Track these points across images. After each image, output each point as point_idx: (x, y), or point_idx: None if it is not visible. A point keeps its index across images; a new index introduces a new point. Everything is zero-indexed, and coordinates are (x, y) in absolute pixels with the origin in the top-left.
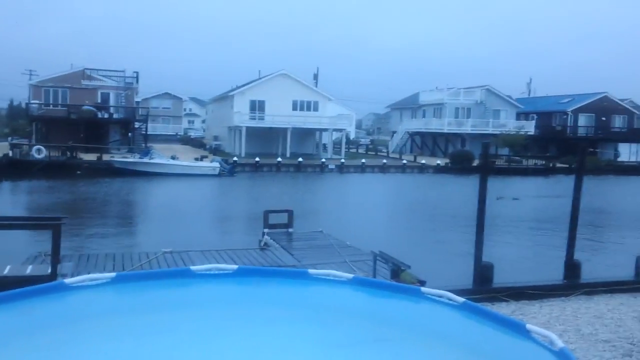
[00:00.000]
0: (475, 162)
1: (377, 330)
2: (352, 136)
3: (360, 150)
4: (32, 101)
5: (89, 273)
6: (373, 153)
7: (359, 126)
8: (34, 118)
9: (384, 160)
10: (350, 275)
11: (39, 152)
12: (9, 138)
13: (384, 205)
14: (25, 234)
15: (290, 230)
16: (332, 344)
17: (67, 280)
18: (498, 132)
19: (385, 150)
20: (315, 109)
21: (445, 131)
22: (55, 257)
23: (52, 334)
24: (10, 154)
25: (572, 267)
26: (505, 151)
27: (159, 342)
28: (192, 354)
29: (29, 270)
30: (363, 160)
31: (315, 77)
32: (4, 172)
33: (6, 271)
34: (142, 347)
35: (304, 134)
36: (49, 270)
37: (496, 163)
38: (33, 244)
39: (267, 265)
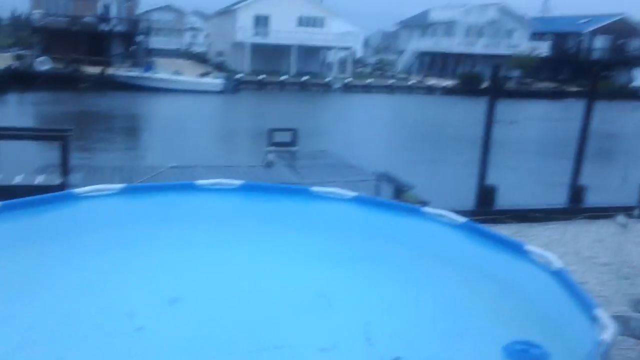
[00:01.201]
0: (485, 84)
1: (377, 247)
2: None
3: (367, 70)
4: (34, 11)
5: (96, 184)
6: (380, 73)
7: (366, 44)
8: (36, 29)
9: (391, 81)
10: (354, 194)
11: (43, 64)
12: (13, 49)
13: (388, 126)
14: (33, 145)
15: (294, 149)
16: (332, 260)
17: (76, 190)
18: (510, 54)
19: (392, 71)
20: (321, 26)
21: (456, 51)
22: (64, 168)
23: (61, 242)
24: (14, 65)
25: (576, 192)
26: (516, 73)
27: (163, 252)
28: (195, 264)
29: (38, 180)
30: (369, 80)
31: None
32: (9, 83)
33: (17, 180)
34: (147, 257)
35: (310, 52)
36: (59, 181)
37: (506, 85)
38: (41, 155)
39: (271, 183)
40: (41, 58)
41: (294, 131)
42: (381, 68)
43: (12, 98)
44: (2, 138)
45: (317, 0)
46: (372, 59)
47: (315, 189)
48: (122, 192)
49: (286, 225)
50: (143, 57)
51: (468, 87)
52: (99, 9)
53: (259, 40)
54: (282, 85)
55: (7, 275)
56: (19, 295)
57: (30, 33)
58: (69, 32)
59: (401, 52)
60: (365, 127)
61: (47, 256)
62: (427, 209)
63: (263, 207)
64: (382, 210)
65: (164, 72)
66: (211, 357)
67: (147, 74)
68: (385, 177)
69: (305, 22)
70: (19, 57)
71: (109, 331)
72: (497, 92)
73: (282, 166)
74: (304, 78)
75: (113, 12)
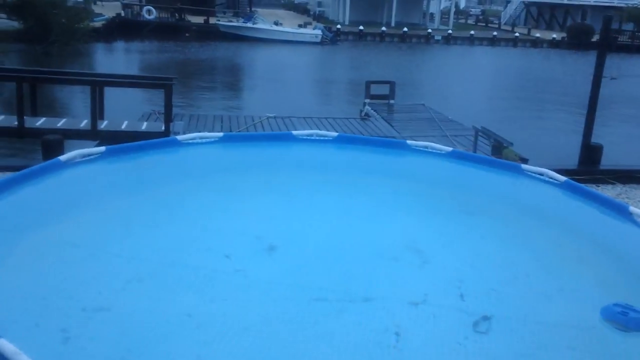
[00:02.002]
0: (595, 38)
1: (474, 203)
2: (462, 5)
3: (470, 21)
4: None
5: (198, 132)
6: (483, 24)
7: None
8: None
9: (495, 33)
10: (450, 149)
11: (149, 13)
12: None
13: (490, 80)
14: (139, 92)
15: (391, 101)
16: (426, 214)
17: (179, 137)
18: (624, 5)
19: (497, 22)
20: None
21: (565, 2)
22: (168, 116)
23: (164, 186)
24: (123, 13)
25: None
26: (629, 26)
27: (261, 200)
28: (290, 213)
29: (144, 126)
30: (472, 32)
31: None
32: (117, 31)
33: (123, 126)
34: (245, 204)
35: (411, 2)
36: (163, 128)
37: (618, 39)
38: (146, 102)
39: (366, 135)
40: (147, 7)
41: (391, 84)
42: (485, 19)
43: (119, 45)
44: (108, 85)
45: None
46: (476, 10)
47: (411, 142)
48: (221, 140)
49: (381, 178)
50: (245, 7)
51: (577, 40)
52: None
53: None
54: (382, 36)
55: (112, 216)
56: (125, 236)
57: None
58: None
59: (507, 3)
60: (465, 80)
61: (150, 199)
62: (526, 166)
63: (357, 160)
64: (479, 166)
65: (264, 22)
66: (303, 304)
67: (248, 24)
68: (483, 133)
69: None
70: (127, 6)
71: (208, 270)
72: (608, 46)
73: (379, 119)
74: (404, 29)
75: None
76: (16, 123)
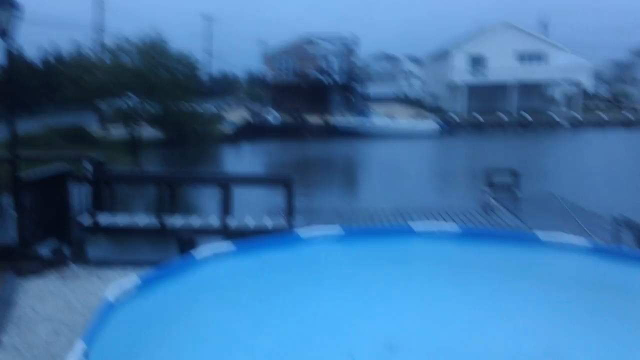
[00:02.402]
0: None
1: (622, 305)
2: (587, 88)
3: (598, 104)
4: (264, 70)
5: (319, 227)
6: (614, 107)
7: (595, 77)
8: (267, 85)
9: (629, 115)
10: (588, 242)
11: (272, 117)
12: (248, 104)
13: (627, 166)
14: (262, 189)
15: (515, 191)
16: (561, 313)
17: (301, 233)
18: None
19: (629, 103)
20: (544, 60)
21: None
22: (289, 211)
23: (287, 280)
24: (249, 118)
25: None
26: None
27: (380, 296)
28: (412, 311)
29: (268, 222)
30: (602, 116)
31: (543, 24)
32: (244, 134)
33: (249, 223)
34: (366, 300)
35: (531, 89)
36: (284, 223)
37: None
38: (269, 198)
39: (490, 228)
40: (271, 111)
41: (514, 172)
42: (616, 101)
43: (245, 147)
44: (235, 184)
45: (538, 34)
46: (604, 92)
47: (541, 235)
48: (341, 234)
49: (509, 274)
50: (360, 104)
51: None
52: (321, 63)
53: (475, 80)
54: (501, 125)
55: (241, 310)
56: (254, 327)
57: (262, 89)
58: (294, 87)
59: (639, 83)
60: (597, 168)
61: (275, 295)
62: None
63: (482, 254)
64: (622, 261)
65: (379, 117)
66: None
67: (363, 121)
68: (626, 224)
69: (525, 57)
70: (252, 111)
71: None
72: None
73: (503, 210)
74: (526, 116)
75: (333, 65)
76: (156, 222)
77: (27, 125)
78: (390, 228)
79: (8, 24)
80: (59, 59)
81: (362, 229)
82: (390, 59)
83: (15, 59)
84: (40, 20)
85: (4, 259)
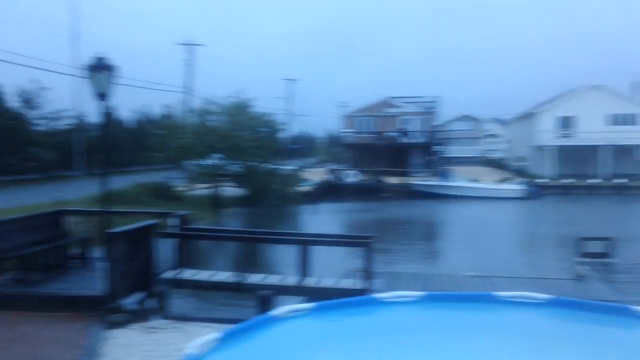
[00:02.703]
0: None
1: None
2: None
3: None
4: (345, 130)
5: (398, 290)
6: None
7: None
8: (346, 145)
9: None
10: None
11: (351, 176)
12: (328, 164)
13: None
14: (340, 249)
15: (610, 260)
16: None
17: (379, 296)
18: None
19: None
20: (636, 123)
21: None
22: (367, 273)
23: (364, 342)
24: (328, 178)
25: None
26: None
27: None
28: None
29: (344, 283)
30: None
31: (636, 86)
32: (323, 194)
33: (327, 283)
34: None
35: (623, 152)
36: (362, 285)
37: None
38: (347, 259)
39: (582, 298)
40: (350, 171)
41: (609, 240)
42: None
43: (324, 206)
44: (314, 244)
45: (630, 96)
46: None
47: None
48: (421, 299)
49: (604, 350)
50: (440, 165)
51: None
52: (400, 123)
53: (563, 142)
54: (592, 189)
55: None
56: None
57: (342, 149)
58: (373, 147)
59: None
60: None
61: (352, 356)
62: None
63: (575, 326)
64: None
65: (461, 179)
66: None
67: (444, 182)
68: None
69: (616, 120)
70: (332, 171)
71: None
72: None
73: (596, 280)
74: (618, 181)
75: (413, 125)
76: (236, 278)
77: (118, 182)
78: (471, 294)
79: (106, 88)
80: (150, 119)
81: (444, 295)
82: (473, 120)
83: (111, 120)
84: (135, 83)
85: (91, 310)
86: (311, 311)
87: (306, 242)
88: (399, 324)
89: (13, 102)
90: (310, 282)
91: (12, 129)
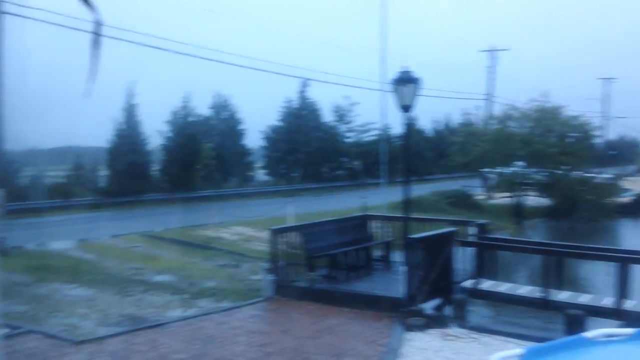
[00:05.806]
0: None
1: None
2: None
3: None
4: None
5: None
6: None
7: None
8: None
9: None
10: None
11: None
12: None
13: None
14: None
15: None
16: None
17: None
18: None
19: None
20: None
21: None
22: None
23: None
24: None
25: None
26: None
27: None
28: None
29: None
30: None
31: None
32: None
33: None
34: None
35: None
36: None
37: None
38: None
39: None
40: None
41: None
42: None
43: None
44: (636, 262)
45: None
46: None
47: None
48: None
49: None
50: None
51: None
52: None
53: None
54: None
55: None
56: None
57: None
58: None
59: None
60: None
61: None
62: None
63: None
64: None
65: None
66: None
67: None
68: None
69: None
70: None
71: None
72: None
73: None
74: None
75: None
76: (540, 295)
77: (418, 190)
78: None
79: (411, 100)
80: (449, 128)
81: None
82: None
83: (412, 130)
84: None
85: (392, 310)
86: (632, 337)
87: (628, 259)
88: None
89: (328, 117)
90: (630, 305)
91: (327, 141)
